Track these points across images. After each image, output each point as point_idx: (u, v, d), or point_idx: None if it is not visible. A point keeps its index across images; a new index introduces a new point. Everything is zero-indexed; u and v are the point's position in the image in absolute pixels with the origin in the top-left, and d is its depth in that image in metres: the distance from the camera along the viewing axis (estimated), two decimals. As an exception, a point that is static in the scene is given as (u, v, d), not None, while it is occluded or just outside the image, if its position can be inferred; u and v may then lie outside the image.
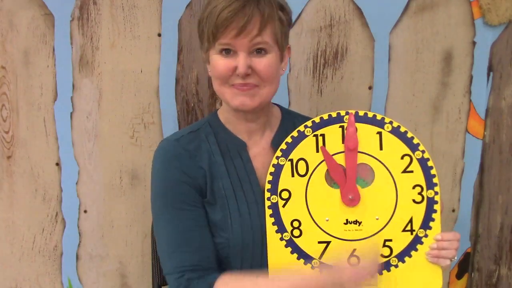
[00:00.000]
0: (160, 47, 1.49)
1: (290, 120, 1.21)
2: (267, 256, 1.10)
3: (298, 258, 1.09)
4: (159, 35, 1.49)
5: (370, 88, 1.52)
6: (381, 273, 1.08)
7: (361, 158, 1.08)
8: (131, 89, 1.51)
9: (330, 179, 1.09)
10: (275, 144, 1.15)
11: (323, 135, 1.09)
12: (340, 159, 1.08)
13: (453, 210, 1.59)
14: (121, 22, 1.48)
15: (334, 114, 1.08)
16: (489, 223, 1.57)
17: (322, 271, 1.07)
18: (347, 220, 1.08)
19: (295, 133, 1.10)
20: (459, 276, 1.63)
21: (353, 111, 1.08)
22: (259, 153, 1.17)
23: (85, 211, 1.56)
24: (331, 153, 1.08)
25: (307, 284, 1.01)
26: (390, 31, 1.50)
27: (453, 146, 1.56)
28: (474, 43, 1.50)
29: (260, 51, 1.05)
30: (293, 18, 1.47)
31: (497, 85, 1.52)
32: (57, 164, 1.54)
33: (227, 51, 1.05)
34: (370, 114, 1.08)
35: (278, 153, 1.10)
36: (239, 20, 1.01)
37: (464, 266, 1.62)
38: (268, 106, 1.16)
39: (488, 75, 1.52)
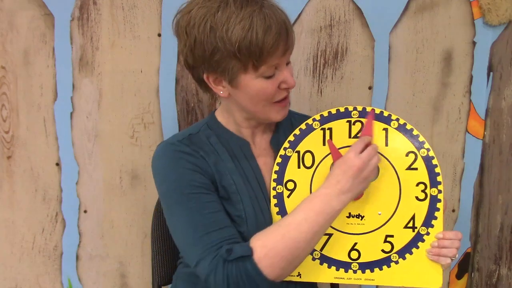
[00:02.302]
0: (160, 47, 1.50)
1: (288, 119, 1.20)
2: None
3: None
4: (159, 35, 1.49)
5: (370, 88, 1.52)
6: (381, 269, 1.08)
7: None
8: (131, 89, 1.51)
9: None
10: (274, 144, 1.16)
11: (330, 129, 1.10)
12: None
13: (453, 210, 1.59)
14: (121, 22, 1.48)
15: (342, 109, 1.10)
16: (489, 223, 1.57)
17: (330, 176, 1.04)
18: (349, 213, 1.09)
19: (303, 126, 1.11)
20: (459, 276, 1.63)
21: (369, 108, 1.09)
22: (260, 153, 1.17)
23: (85, 211, 1.56)
24: (337, 147, 1.09)
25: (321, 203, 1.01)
26: (390, 31, 1.50)
27: (453, 146, 1.56)
28: (474, 43, 1.50)
29: (288, 62, 1.07)
30: (293, 18, 1.48)
31: (497, 85, 1.52)
32: (57, 164, 1.54)
33: None
34: (377, 111, 1.08)
35: (286, 144, 1.11)
36: (285, 40, 1.02)
37: (464, 266, 1.62)
38: None
39: (488, 75, 1.52)
